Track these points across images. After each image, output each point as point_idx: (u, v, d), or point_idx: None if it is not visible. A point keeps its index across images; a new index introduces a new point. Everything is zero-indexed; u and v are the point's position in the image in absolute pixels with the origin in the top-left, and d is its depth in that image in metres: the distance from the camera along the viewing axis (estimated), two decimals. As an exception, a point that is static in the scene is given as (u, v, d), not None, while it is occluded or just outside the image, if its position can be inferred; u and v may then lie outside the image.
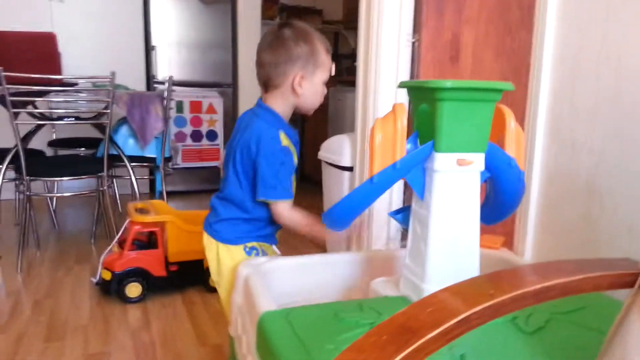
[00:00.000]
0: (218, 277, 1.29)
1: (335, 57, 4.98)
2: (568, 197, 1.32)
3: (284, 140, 1.21)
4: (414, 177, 0.97)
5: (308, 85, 1.21)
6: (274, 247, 1.35)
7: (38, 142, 3.20)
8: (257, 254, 1.28)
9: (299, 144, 1.29)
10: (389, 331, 0.56)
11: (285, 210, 1.21)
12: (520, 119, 1.47)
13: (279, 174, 1.18)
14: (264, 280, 1.09)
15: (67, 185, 3.50)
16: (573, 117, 1.30)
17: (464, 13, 2.07)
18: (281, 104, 1.24)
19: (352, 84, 3.82)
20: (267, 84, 1.23)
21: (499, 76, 2.17)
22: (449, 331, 0.56)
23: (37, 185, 3.20)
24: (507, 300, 0.59)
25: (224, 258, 1.26)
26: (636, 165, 1.15)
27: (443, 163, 0.93)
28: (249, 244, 1.27)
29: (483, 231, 1.00)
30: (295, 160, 1.24)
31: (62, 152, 3.35)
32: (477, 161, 0.95)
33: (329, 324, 0.89)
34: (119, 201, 3.41)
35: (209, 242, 1.29)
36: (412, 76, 2.05)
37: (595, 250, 1.23)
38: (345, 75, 4.76)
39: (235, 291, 1.17)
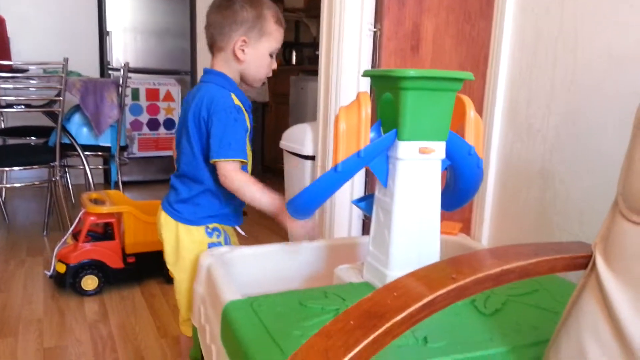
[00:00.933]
0: (175, 257, 1.26)
1: (297, 46, 4.96)
2: (523, 183, 1.36)
3: (235, 100, 1.18)
4: (377, 165, 0.98)
5: (251, 51, 1.19)
6: (238, 228, 1.33)
7: (-16, 131, 3.06)
8: (219, 236, 1.25)
9: (251, 108, 1.25)
10: (355, 316, 0.57)
11: (237, 170, 1.14)
12: (478, 107, 1.50)
13: (233, 130, 1.14)
14: (227, 270, 1.08)
15: (17, 176, 3.36)
16: (529, 104, 1.34)
17: (425, 2, 2.10)
18: (227, 69, 1.21)
19: (313, 72, 3.81)
20: (212, 46, 1.21)
21: (458, 65, 2.21)
22: (414, 314, 0.57)
23: (-15, 176, 3.07)
24: (469, 283, 0.61)
25: (183, 239, 1.23)
26: (587, 152, 1.20)
27: (406, 151, 0.94)
28: (211, 225, 1.24)
29: (441, 218, 1.02)
30: (248, 124, 1.21)
31: (12, 141, 3.21)
32: (439, 149, 0.97)
33: (294, 311, 0.89)
34: (72, 192, 3.30)
35: (167, 221, 1.24)
36: (373, 65, 2.06)
37: (549, 234, 1.28)
38: (306, 64, 4.74)
39: (196, 281, 1.16)
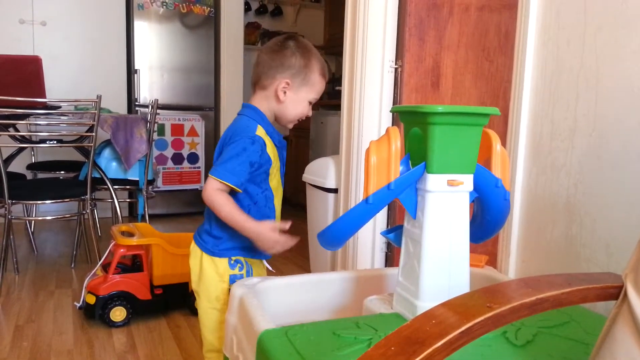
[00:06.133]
0: (198, 285, 1.30)
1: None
2: (549, 216, 1.38)
3: (260, 132, 1.22)
4: (406, 197, 1.01)
5: (291, 95, 1.24)
6: (266, 262, 1.37)
7: (16, 166, 3.16)
8: (242, 268, 1.28)
9: (285, 149, 1.31)
10: (396, 342, 0.59)
11: (219, 190, 1.16)
12: (502, 142, 1.53)
13: (236, 156, 1.17)
14: (259, 300, 1.11)
15: (45, 209, 3.45)
16: (552, 139, 1.37)
17: (444, 40, 2.16)
18: (264, 105, 1.27)
19: (333, 107, 3.89)
20: (256, 84, 1.27)
21: (477, 100, 2.26)
22: (453, 341, 0.59)
23: (16, 209, 3.15)
24: (505, 311, 0.63)
25: (206, 269, 1.27)
26: (612, 185, 1.22)
27: (435, 184, 0.97)
28: (234, 257, 1.27)
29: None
30: (274, 158, 1.25)
31: (42, 175, 3.32)
32: (467, 182, 1.00)
33: (328, 340, 0.91)
34: (98, 225, 3.37)
35: (194, 250, 1.30)
36: (395, 101, 2.11)
37: (576, 267, 1.29)
38: (325, 98, 4.83)
39: (229, 311, 1.18)
